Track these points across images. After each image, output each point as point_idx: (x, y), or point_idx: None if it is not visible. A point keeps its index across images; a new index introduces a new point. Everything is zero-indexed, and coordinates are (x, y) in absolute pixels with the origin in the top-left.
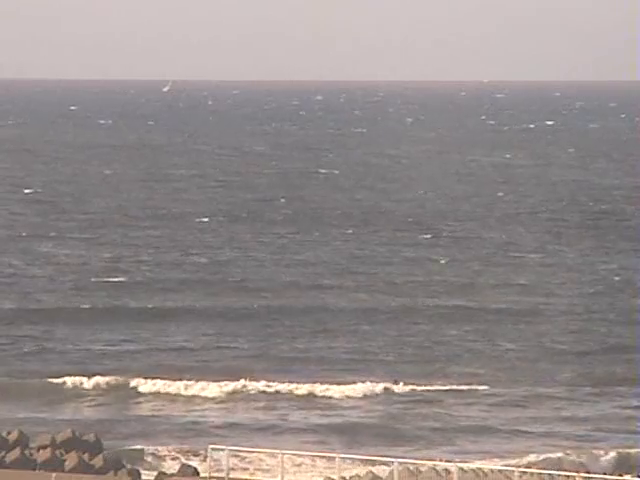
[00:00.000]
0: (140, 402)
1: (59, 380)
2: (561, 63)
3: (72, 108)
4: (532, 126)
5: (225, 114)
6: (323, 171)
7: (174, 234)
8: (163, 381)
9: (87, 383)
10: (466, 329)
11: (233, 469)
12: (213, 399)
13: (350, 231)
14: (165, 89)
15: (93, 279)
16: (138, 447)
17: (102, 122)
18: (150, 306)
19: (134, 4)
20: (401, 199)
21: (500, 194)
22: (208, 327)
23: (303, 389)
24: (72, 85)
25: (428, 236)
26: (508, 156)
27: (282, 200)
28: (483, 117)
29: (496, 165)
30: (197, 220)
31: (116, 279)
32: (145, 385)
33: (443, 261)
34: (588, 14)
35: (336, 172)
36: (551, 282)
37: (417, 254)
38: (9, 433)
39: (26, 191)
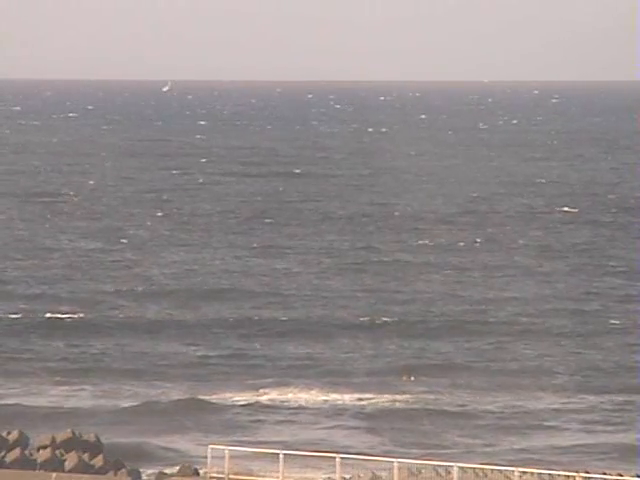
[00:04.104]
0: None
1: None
2: (561, 63)
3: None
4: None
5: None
6: (340, 172)
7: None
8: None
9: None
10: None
11: (233, 469)
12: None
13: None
14: (165, 89)
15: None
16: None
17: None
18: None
19: (134, 3)
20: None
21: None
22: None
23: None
24: (72, 85)
25: (426, 242)
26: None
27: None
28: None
29: (501, 167)
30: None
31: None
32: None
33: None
34: (588, 14)
35: (353, 173)
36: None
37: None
38: (9, 433)
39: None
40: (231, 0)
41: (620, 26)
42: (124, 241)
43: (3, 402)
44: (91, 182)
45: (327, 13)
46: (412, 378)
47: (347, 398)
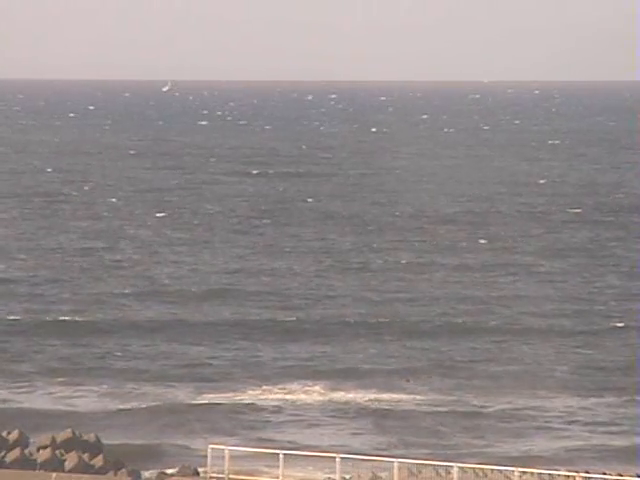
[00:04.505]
0: None
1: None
2: (561, 63)
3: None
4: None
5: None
6: (341, 172)
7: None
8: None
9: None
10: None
11: (233, 469)
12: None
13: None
14: (165, 89)
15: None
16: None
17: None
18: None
19: (133, 6)
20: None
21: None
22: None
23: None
24: (73, 86)
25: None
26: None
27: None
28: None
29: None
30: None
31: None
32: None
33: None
34: (588, 14)
35: (354, 173)
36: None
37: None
38: (9, 433)
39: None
40: (232, 4)
41: (621, 28)
42: (125, 241)
43: (4, 402)
44: (92, 182)
45: (328, 18)
46: (410, 381)
47: (350, 398)
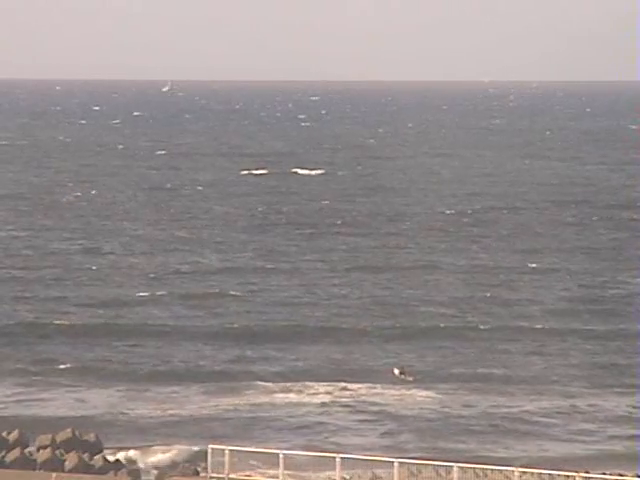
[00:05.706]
0: None
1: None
2: (562, 63)
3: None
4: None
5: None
6: (345, 172)
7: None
8: None
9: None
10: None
11: (233, 469)
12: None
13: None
14: (165, 89)
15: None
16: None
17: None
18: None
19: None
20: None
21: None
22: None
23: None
24: (77, 86)
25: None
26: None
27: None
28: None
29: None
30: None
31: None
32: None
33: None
34: (588, 14)
35: (359, 173)
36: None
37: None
38: (9, 433)
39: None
40: (231, 5)
41: (622, 28)
42: (130, 240)
43: (5, 402)
44: (96, 181)
45: (331, 19)
46: (398, 372)
47: (355, 398)
